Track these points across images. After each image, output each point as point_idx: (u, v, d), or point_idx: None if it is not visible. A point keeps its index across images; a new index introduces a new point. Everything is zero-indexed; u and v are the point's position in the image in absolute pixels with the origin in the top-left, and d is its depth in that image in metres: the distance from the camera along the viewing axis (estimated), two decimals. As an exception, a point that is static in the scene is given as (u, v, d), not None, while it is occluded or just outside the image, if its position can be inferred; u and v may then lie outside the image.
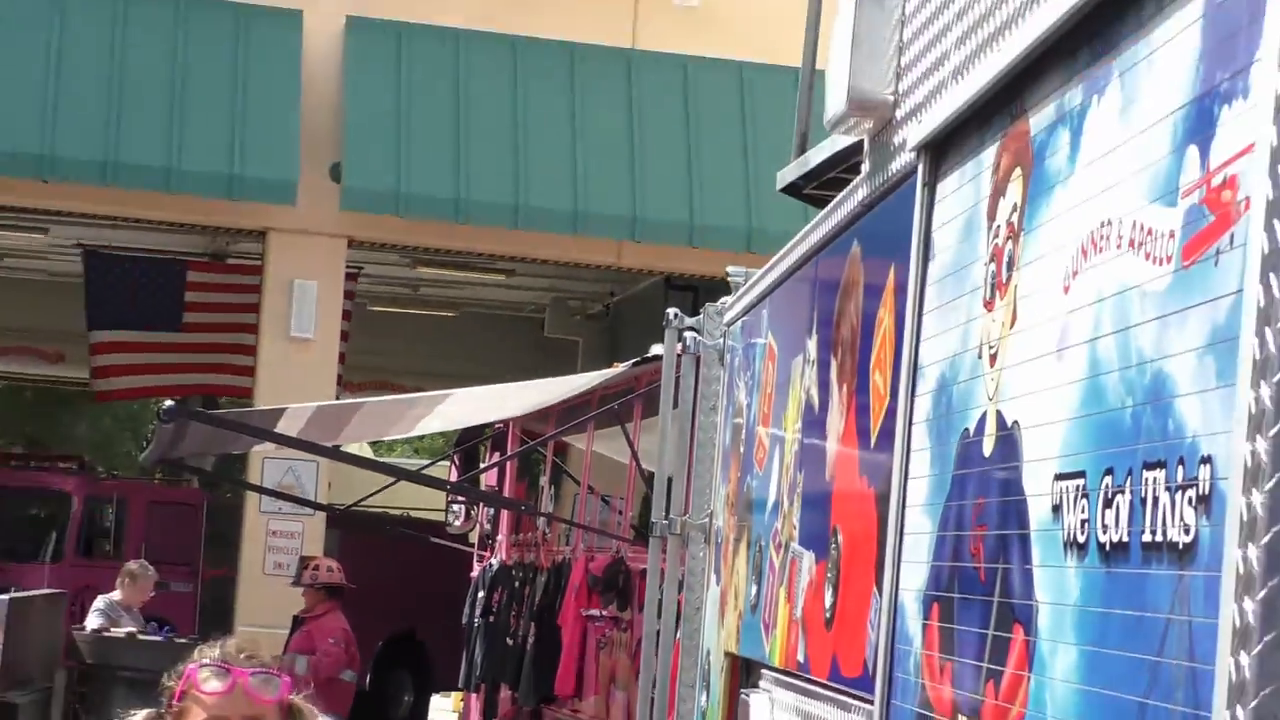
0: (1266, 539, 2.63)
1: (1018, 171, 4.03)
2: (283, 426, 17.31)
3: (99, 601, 17.62)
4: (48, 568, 22.39)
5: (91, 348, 24.25)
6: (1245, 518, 2.67)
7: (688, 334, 7.94)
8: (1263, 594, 2.63)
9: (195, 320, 23.48)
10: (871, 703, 4.80)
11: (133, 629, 17.02)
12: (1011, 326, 3.96)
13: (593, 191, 21.72)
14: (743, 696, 6.43)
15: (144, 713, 5.19)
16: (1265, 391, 2.64)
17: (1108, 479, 3.31)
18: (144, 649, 11.40)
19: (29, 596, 8.36)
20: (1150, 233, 3.23)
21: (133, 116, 21.34)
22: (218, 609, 22.43)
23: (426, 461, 22.38)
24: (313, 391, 20.55)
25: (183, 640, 15.77)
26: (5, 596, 7.44)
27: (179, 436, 18.33)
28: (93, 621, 17.12)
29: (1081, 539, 3.42)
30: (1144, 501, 3.13)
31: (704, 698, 7.23)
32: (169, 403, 18.60)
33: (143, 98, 21.52)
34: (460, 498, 20.84)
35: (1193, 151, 3.08)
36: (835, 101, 5.34)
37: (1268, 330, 2.63)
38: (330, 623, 18.02)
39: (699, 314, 8.15)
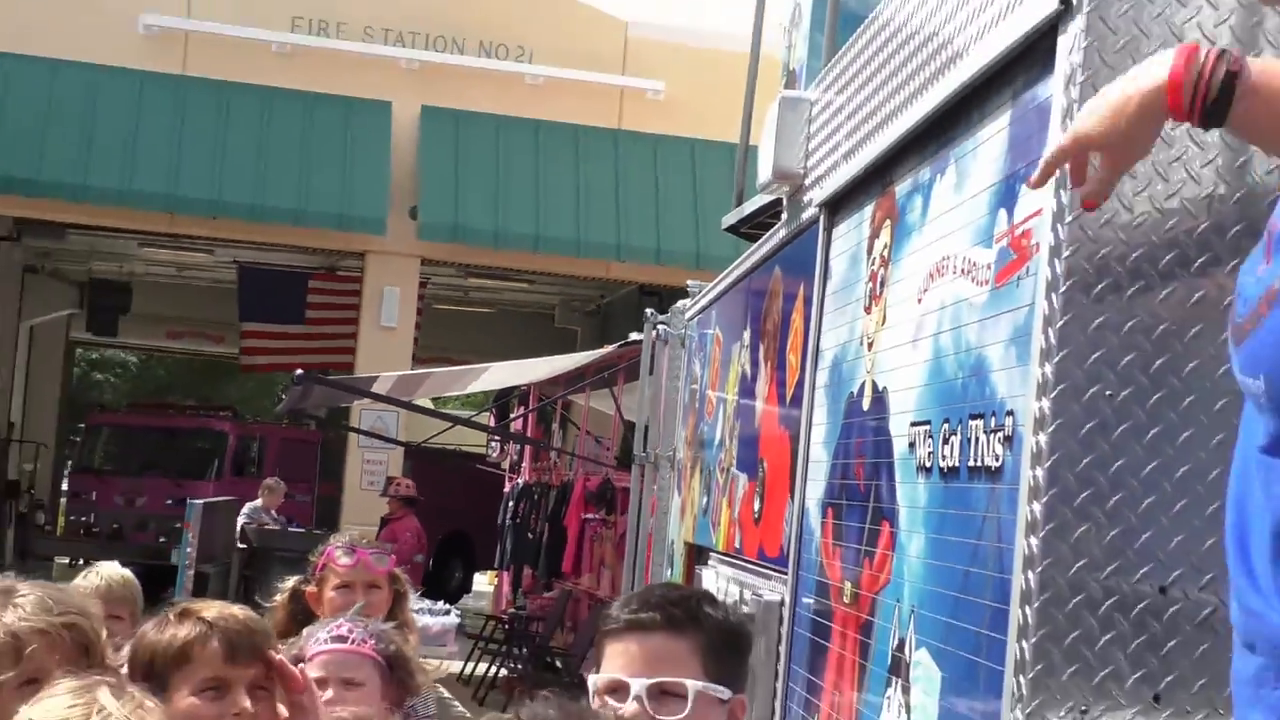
0: (1047, 464, 2.79)
1: (887, 222, 4.15)
2: (375, 388, 17.40)
3: (246, 506, 17.75)
4: (212, 484, 22.38)
5: (241, 334, 24.36)
6: (1034, 451, 2.85)
7: (660, 326, 8.04)
8: (1045, 499, 2.79)
9: (314, 316, 23.47)
10: (786, 574, 4.90)
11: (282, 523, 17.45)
12: (883, 324, 4.08)
13: (590, 226, 21.66)
14: (697, 571, 6.50)
15: (294, 579, 5.33)
16: (1048, 369, 2.81)
17: (945, 425, 3.44)
18: (292, 536, 11.37)
19: (213, 501, 8.45)
20: (974, 264, 3.36)
21: (275, 173, 21.26)
22: (327, 514, 22.41)
23: (473, 412, 22.24)
24: (395, 364, 20.45)
25: (319, 531, 15.90)
26: (199, 501, 7.57)
27: (304, 395, 18.33)
28: (241, 521, 17.34)
29: (928, 465, 3.54)
30: (969, 440, 3.26)
31: (668, 572, 7.33)
32: (299, 371, 18.60)
33: (283, 160, 21.41)
34: (496, 437, 21.01)
35: (1002, 212, 3.21)
36: (764, 172, 5.39)
37: (1050, 330, 2.80)
38: (407, 523, 18.02)
39: (668, 313, 8.24)
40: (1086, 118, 2.12)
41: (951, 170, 3.64)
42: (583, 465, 17.03)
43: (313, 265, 23.41)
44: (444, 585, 22.55)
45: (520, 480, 19.65)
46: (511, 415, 20.93)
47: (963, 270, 3.46)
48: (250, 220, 21.58)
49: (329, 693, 4.14)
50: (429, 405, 19.95)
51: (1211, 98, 1.79)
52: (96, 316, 29.02)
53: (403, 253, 22.30)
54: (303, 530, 11.87)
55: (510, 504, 19.38)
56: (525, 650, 16.04)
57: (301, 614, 4.83)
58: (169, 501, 21.59)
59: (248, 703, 3.29)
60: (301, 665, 4.13)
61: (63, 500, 27.37)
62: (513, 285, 25.33)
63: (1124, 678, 2.80)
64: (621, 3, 24.91)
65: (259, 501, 17.78)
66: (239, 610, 3.45)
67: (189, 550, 7.07)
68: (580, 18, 23.56)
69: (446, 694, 14.13)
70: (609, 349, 14.66)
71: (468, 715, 13.73)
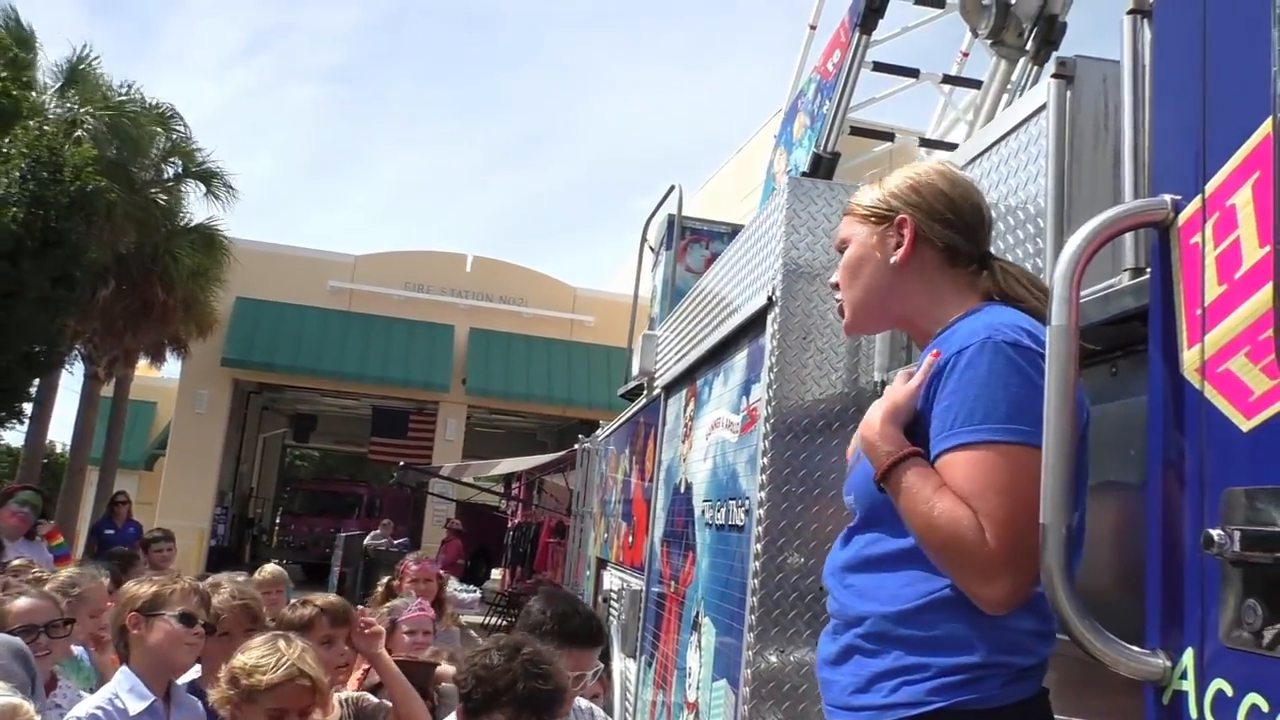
0: (763, 526, 2.86)
1: (692, 398, 4.22)
2: (441, 472, 17.32)
3: (370, 535, 17.37)
4: (355, 521, 21.79)
5: (371, 443, 23.85)
6: (757, 517, 2.91)
7: (587, 444, 8.02)
8: (762, 542, 2.86)
9: (411, 434, 23.16)
10: (643, 575, 4.88)
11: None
12: (690, 449, 4.13)
13: (554, 389, 21.77)
14: (602, 572, 6.43)
15: (386, 578, 5.30)
16: (762, 478, 2.89)
17: (718, 502, 3.48)
18: (390, 554, 11.00)
19: (351, 534, 8.15)
20: (731, 422, 3.42)
21: (395, 361, 21.33)
22: (415, 538, 21.86)
23: (492, 484, 22.02)
24: (452, 459, 20.38)
25: (405, 550, 15.46)
26: (344, 534, 7.36)
27: (405, 475, 18.30)
28: (369, 543, 16.95)
29: (710, 522, 3.57)
30: (729, 511, 3.30)
31: (588, 573, 7.22)
32: (401, 463, 18.55)
33: (400, 354, 21.50)
34: (504, 497, 20.82)
35: (744, 397, 3.28)
36: (635, 369, 5.52)
37: (764, 458, 2.88)
38: (454, 544, 17.85)
39: (591, 436, 8.22)
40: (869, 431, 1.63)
41: (722, 375, 3.72)
42: (548, 514, 16.85)
43: (410, 408, 23.22)
44: (477, 575, 22.07)
45: (516, 520, 19.42)
46: (512, 486, 20.77)
47: (726, 425, 3.52)
48: (378, 384, 21.54)
49: (416, 637, 4.11)
50: (471, 481, 19.65)
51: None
52: (298, 432, 28.93)
53: (458, 402, 22.28)
54: (396, 550, 11.60)
55: (511, 533, 19.19)
56: (516, 609, 15.81)
57: (391, 596, 4.82)
58: (331, 530, 21.29)
59: (345, 648, 3.26)
60: (390, 621, 4.10)
61: (276, 528, 26.62)
62: (514, 418, 25.20)
63: (803, 634, 2.85)
64: (572, 276, 25.36)
65: (379, 531, 17.49)
66: (335, 598, 3.40)
67: (338, 559, 6.96)
68: (550, 283, 23.83)
69: (472, 633, 14.04)
70: (562, 453, 14.63)
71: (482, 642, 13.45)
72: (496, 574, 22.00)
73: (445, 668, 3.22)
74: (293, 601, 3.36)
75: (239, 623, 3.06)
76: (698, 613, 3.65)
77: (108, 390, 19.20)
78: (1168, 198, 1.36)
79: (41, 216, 11.06)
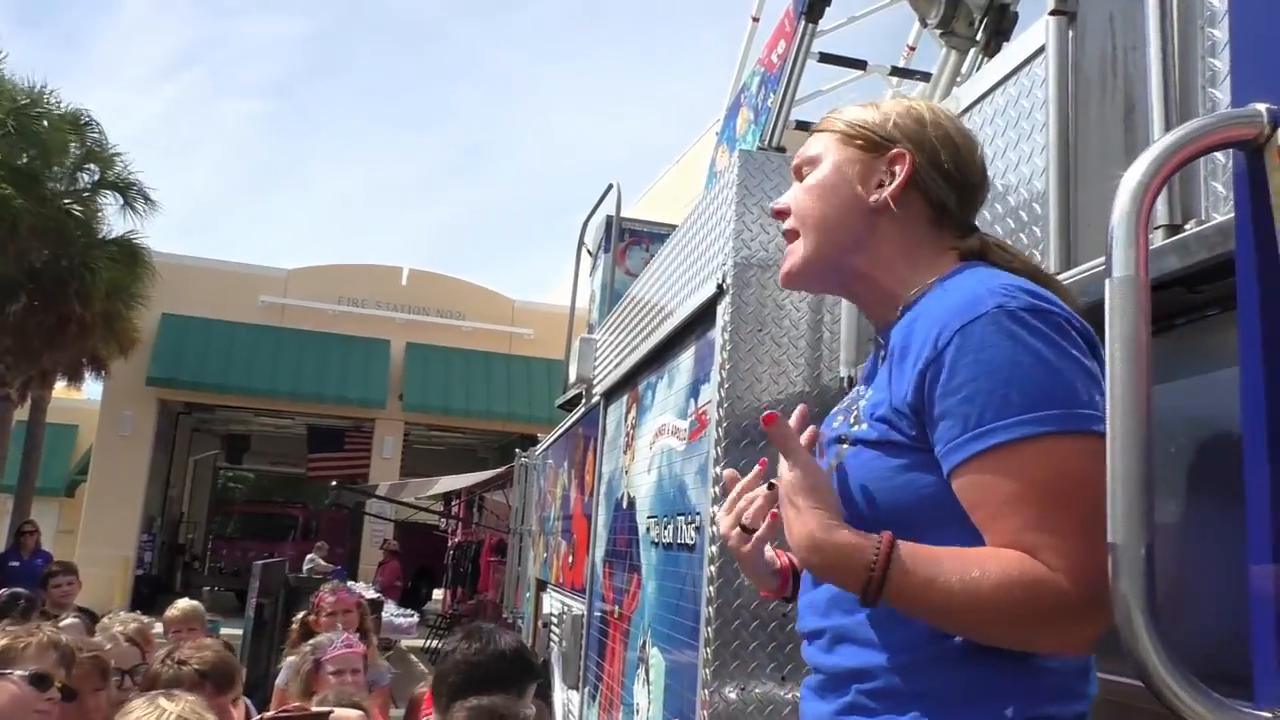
0: (717, 544, 2.51)
1: (634, 405, 3.88)
2: (377, 491, 16.76)
3: (308, 557, 16.76)
4: (289, 544, 21.03)
5: (308, 461, 23.13)
6: (713, 536, 2.56)
7: (524, 458, 7.63)
8: (718, 563, 2.50)
9: (348, 451, 22.52)
10: (584, 598, 4.54)
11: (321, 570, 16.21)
12: (632, 460, 3.78)
13: (494, 403, 21.33)
14: (542, 595, 6.08)
15: (302, 614, 4.84)
16: (714, 490, 2.53)
17: (665, 518, 3.14)
18: (313, 582, 10.37)
19: (269, 561, 7.58)
20: (678, 429, 3.08)
21: (330, 377, 20.70)
22: (354, 560, 21.24)
23: (432, 503, 21.39)
24: (390, 477, 19.81)
25: (329, 578, 14.76)
26: (260, 561, 6.81)
27: (339, 495, 17.68)
28: (306, 566, 16.27)
29: (656, 541, 3.22)
30: (678, 528, 2.97)
31: (528, 594, 6.86)
32: (333, 482, 17.93)
33: (334, 370, 20.89)
34: (443, 515, 20.23)
35: (692, 400, 2.94)
36: (572, 376, 5.19)
37: (716, 467, 2.53)
38: (391, 565, 17.29)
39: (529, 450, 7.86)
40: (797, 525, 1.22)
41: (666, 377, 3.37)
42: (490, 532, 16.37)
43: (347, 425, 22.53)
44: (418, 597, 21.51)
45: (457, 539, 18.88)
46: (452, 504, 20.23)
47: (672, 432, 3.17)
48: (313, 402, 20.89)
49: (344, 677, 3.67)
50: (409, 500, 19.06)
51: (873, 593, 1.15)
52: (230, 453, 28.08)
53: (395, 418, 21.68)
54: (322, 576, 10.97)
55: (451, 552, 18.66)
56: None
57: (308, 632, 4.36)
58: (266, 555, 20.48)
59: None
60: (312, 662, 3.66)
61: (208, 554, 25.66)
62: (454, 434, 24.55)
63: (766, 667, 2.50)
64: (511, 288, 24.98)
65: (313, 554, 16.81)
66: (212, 656, 2.88)
67: (254, 589, 6.46)
68: (489, 296, 23.35)
69: (412, 657, 13.49)
70: (501, 469, 14.21)
71: (423, 668, 12.92)
72: (439, 595, 21.47)
73: (345, 714, 2.77)
74: (164, 655, 2.88)
75: (87, 680, 2.60)
76: (644, 642, 3.29)
77: (24, 414, 18.26)
78: (1261, 107, 1.02)
79: (-63, 225, 10.34)
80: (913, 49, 6.69)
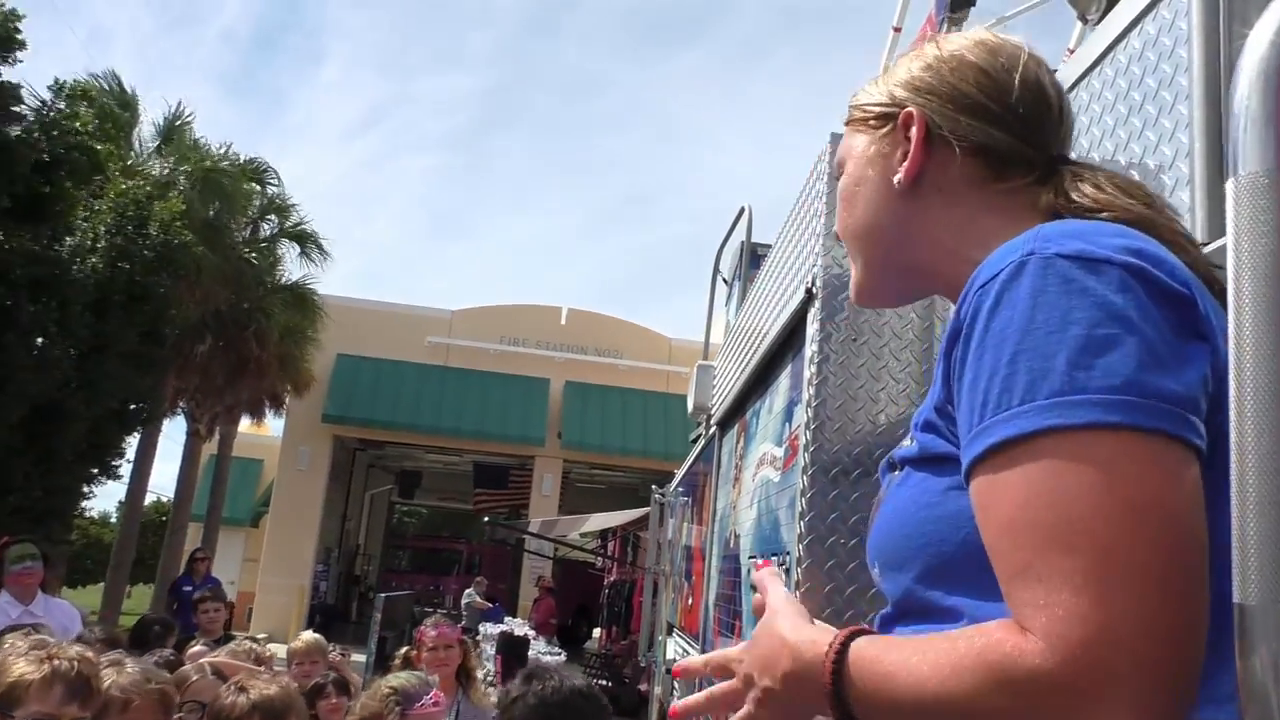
0: (802, 590, 2.14)
1: (743, 433, 3.55)
2: (531, 528, 16.86)
3: (466, 592, 16.96)
4: (454, 578, 21.53)
5: (474, 497, 23.53)
6: (799, 580, 2.19)
7: (659, 496, 7.35)
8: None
9: (510, 487, 22.90)
10: (697, 642, 4.19)
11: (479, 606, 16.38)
12: (739, 494, 3.45)
13: (651, 442, 21.20)
14: (669, 639, 5.78)
15: (404, 649, 4.68)
16: (800, 526, 2.17)
17: (762, 559, 2.78)
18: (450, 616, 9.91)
19: (393, 595, 7.52)
20: (775, 457, 2.72)
21: (492, 415, 21.22)
22: (513, 596, 21.38)
23: (591, 541, 21.38)
24: (548, 513, 19.95)
25: (453, 612, 14.74)
26: (383, 595, 6.76)
27: (494, 530, 17.87)
28: (464, 601, 16.45)
29: (754, 585, 2.88)
30: (782, 564, 2.63)
31: (661, 638, 6.57)
32: (486, 519, 18.21)
33: (496, 408, 21.44)
34: (598, 554, 20.20)
35: (786, 425, 2.59)
36: (691, 405, 4.89)
37: (803, 499, 2.17)
38: (546, 601, 17.25)
39: (664, 487, 7.60)
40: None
41: (767, 401, 3.04)
42: (641, 571, 16.13)
43: (511, 463, 22.84)
44: (578, 635, 21.45)
45: (612, 577, 18.73)
46: (608, 543, 20.16)
47: (769, 461, 2.83)
48: (476, 439, 21.35)
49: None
50: (558, 537, 19.04)
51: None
52: (403, 488, 29.04)
53: (553, 456, 21.87)
54: (457, 613, 10.87)
55: (607, 591, 18.51)
56: (610, 670, 15.03)
57: (410, 668, 4.16)
58: (431, 588, 21.08)
59: None
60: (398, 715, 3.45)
61: (379, 585, 26.51)
62: (614, 473, 24.48)
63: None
64: (668, 327, 24.98)
65: (471, 589, 16.98)
66: (275, 691, 2.69)
67: (376, 622, 6.41)
68: (648, 335, 23.37)
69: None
70: (648, 509, 14.02)
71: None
72: (597, 632, 21.36)
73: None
74: (234, 682, 2.73)
75: (149, 713, 2.44)
76: (742, 698, 2.91)
77: (213, 448, 19.39)
78: None
79: (126, 270, 11.06)
80: (1071, 52, 6.10)
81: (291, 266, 17.60)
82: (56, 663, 2.14)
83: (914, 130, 1.04)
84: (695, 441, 6.08)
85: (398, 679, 3.62)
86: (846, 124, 1.16)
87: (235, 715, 2.49)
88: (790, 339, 2.65)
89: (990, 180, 1.02)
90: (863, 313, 2.25)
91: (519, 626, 13.55)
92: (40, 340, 10.28)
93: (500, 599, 19.99)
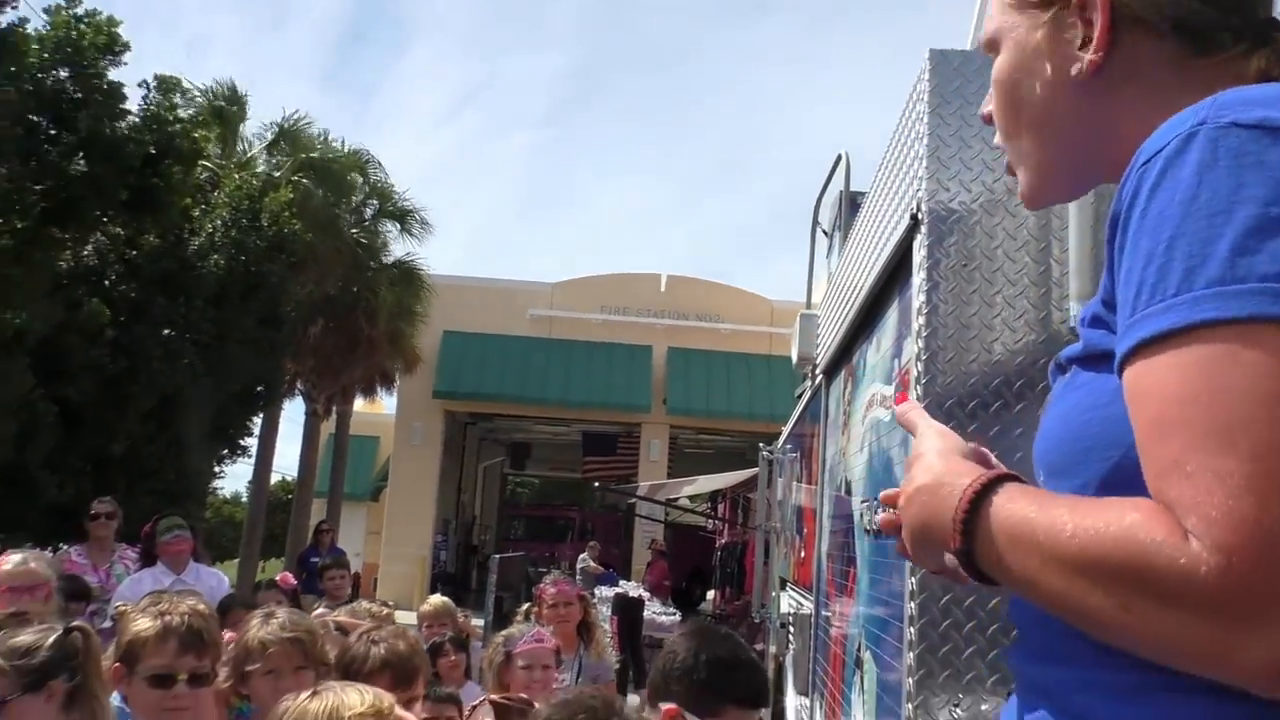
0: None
1: (850, 378, 3.44)
2: (640, 491, 16.95)
3: (580, 557, 17.14)
4: (567, 545, 21.82)
5: (583, 465, 23.69)
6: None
7: (766, 453, 7.27)
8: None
9: (619, 453, 22.99)
10: (811, 593, 4.12)
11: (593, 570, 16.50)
12: (848, 440, 3.35)
13: (755, 408, 21.05)
14: (782, 594, 5.70)
15: (526, 605, 4.75)
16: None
17: (875, 501, 2.69)
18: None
19: (508, 556, 7.60)
20: (885, 396, 2.62)
21: (597, 384, 21.35)
22: (626, 561, 21.53)
23: (702, 505, 21.36)
24: (656, 479, 20.04)
25: (563, 573, 14.83)
26: (497, 556, 6.86)
27: (604, 495, 18.02)
28: (578, 566, 16.63)
29: (866, 529, 2.76)
30: (881, 511, 2.53)
31: (775, 594, 6.51)
32: (596, 484, 18.38)
33: (601, 377, 21.61)
34: (709, 517, 20.15)
35: (895, 361, 2.48)
36: (795, 356, 4.78)
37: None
38: (659, 565, 17.33)
39: (772, 446, 7.52)
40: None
41: (874, 341, 2.92)
42: (752, 532, 16.05)
43: (618, 430, 22.96)
44: (691, 597, 21.47)
45: (723, 540, 18.71)
46: (718, 505, 20.12)
47: (880, 401, 2.72)
48: (582, 408, 21.55)
49: (533, 673, 3.51)
50: (666, 500, 19.02)
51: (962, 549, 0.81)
52: (514, 460, 29.55)
53: (659, 422, 21.94)
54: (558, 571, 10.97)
55: (718, 553, 18.50)
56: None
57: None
58: (546, 555, 21.41)
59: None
60: (503, 654, 3.51)
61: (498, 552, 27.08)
62: (721, 437, 24.41)
63: (984, 678, 2.00)
64: (768, 290, 24.64)
65: (585, 554, 17.16)
66: (403, 649, 2.73)
67: (492, 584, 6.54)
68: (749, 298, 23.18)
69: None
70: (755, 470, 13.95)
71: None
72: (712, 595, 21.35)
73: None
74: (363, 632, 2.79)
75: (289, 659, 2.52)
76: (860, 644, 2.84)
77: (331, 427, 20.04)
78: None
79: (243, 262, 11.44)
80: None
81: (395, 247, 17.97)
82: (169, 618, 2.20)
83: (1097, 14, 0.91)
84: (800, 397, 5.97)
85: (508, 630, 3.68)
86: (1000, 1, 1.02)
87: (366, 666, 2.53)
88: (896, 272, 2.53)
89: (1190, 56, 0.89)
90: (973, 235, 2.12)
91: (633, 589, 13.66)
92: (167, 333, 10.72)
93: (613, 564, 20.13)
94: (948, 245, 2.12)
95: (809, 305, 6.74)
